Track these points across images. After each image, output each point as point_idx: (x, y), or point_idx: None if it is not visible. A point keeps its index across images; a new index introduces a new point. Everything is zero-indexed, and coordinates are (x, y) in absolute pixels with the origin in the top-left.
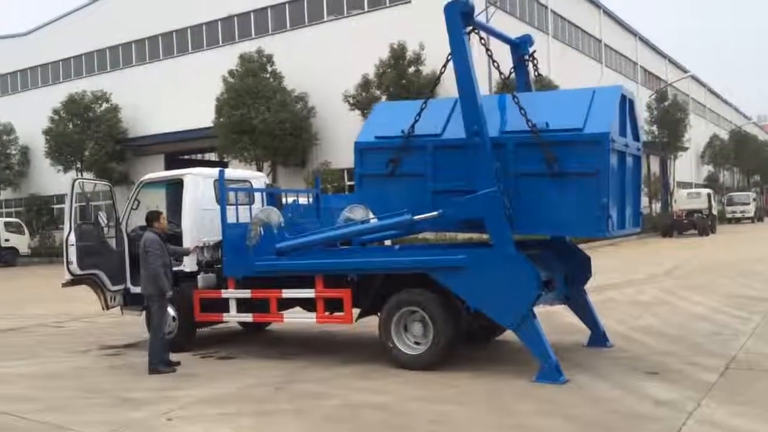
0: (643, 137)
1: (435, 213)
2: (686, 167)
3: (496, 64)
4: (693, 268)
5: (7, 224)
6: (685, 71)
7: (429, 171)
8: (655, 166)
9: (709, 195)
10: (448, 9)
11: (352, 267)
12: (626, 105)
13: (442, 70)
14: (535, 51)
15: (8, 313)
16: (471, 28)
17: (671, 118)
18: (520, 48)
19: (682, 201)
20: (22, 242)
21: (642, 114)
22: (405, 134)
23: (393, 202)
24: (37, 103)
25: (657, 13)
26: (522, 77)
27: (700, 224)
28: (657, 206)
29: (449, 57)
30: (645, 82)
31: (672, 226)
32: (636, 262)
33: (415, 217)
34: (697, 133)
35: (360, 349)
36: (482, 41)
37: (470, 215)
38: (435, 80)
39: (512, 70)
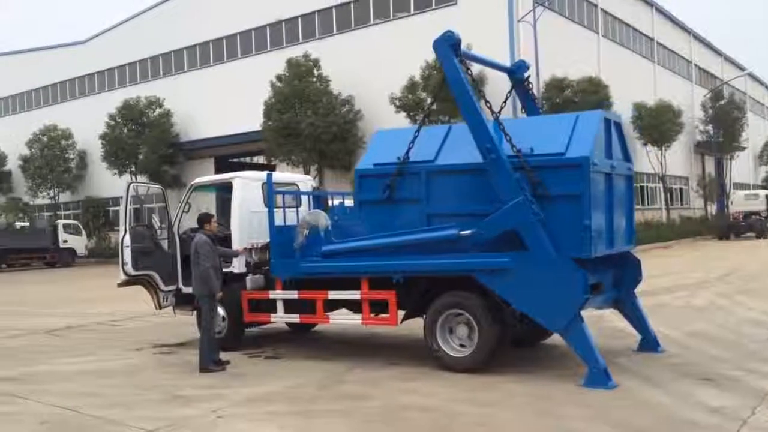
0: (697, 137)
1: (469, 231)
2: (744, 168)
3: (482, 93)
4: (749, 272)
5: (65, 226)
6: (742, 69)
7: (423, 195)
8: (710, 166)
9: (767, 196)
10: (437, 45)
11: (398, 269)
12: (611, 128)
13: (433, 99)
14: (529, 76)
15: (67, 311)
16: (459, 59)
17: (727, 118)
18: (517, 73)
19: (739, 203)
20: (79, 243)
21: (697, 113)
22: (400, 161)
23: (391, 227)
24: (94, 109)
25: (714, 5)
26: (523, 101)
27: (757, 226)
28: (713, 208)
29: (440, 85)
30: (700, 81)
31: (728, 228)
32: (690, 265)
33: (461, 233)
34: (756, 132)
35: (405, 351)
36: (468, 72)
37: (503, 228)
38: (427, 108)
39: (508, 95)
